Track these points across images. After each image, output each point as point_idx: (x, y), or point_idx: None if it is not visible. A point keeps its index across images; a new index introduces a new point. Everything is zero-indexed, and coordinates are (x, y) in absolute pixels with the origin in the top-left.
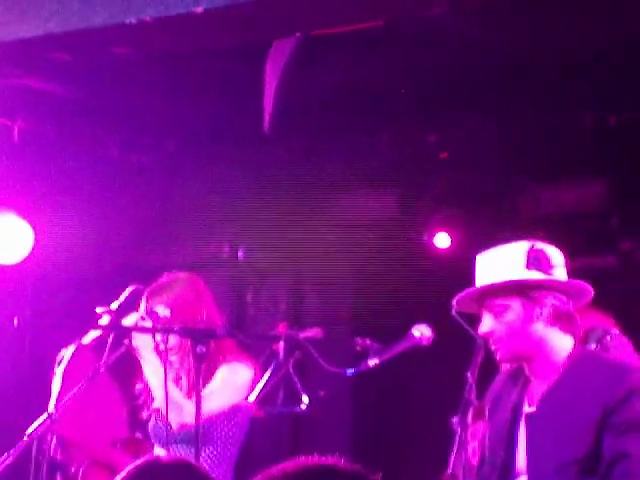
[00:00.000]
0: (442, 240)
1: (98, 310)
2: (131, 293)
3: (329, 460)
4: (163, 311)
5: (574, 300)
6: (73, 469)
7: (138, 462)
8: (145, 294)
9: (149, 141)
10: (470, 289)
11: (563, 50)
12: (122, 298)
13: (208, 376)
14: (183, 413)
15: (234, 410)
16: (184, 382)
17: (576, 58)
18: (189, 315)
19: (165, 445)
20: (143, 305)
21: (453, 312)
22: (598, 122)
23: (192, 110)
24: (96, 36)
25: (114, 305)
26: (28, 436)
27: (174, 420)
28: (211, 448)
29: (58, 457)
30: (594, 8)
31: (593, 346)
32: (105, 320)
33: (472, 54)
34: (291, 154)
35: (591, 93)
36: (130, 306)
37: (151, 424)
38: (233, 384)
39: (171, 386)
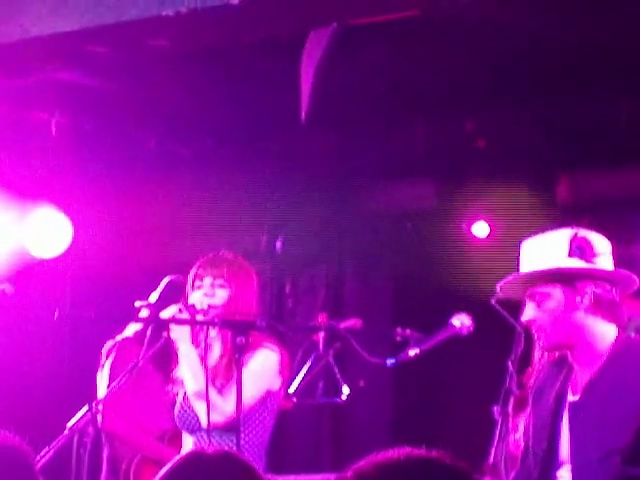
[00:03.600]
0: (481, 229)
1: (137, 304)
2: (168, 284)
3: (434, 453)
4: (219, 290)
5: (619, 288)
6: (124, 466)
7: (183, 454)
8: (202, 262)
9: (186, 133)
10: (512, 276)
11: (598, 37)
12: (159, 290)
13: (230, 367)
14: (214, 412)
15: (265, 395)
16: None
17: (611, 45)
18: (244, 298)
19: (193, 433)
20: (195, 272)
21: (493, 301)
22: (635, 108)
23: (229, 101)
24: (132, 29)
25: (152, 298)
26: (69, 429)
27: (204, 417)
28: (243, 435)
29: (107, 453)
30: None
31: (631, 335)
32: (144, 313)
33: (507, 41)
34: (328, 144)
35: (628, 79)
36: (168, 297)
37: (178, 411)
38: (258, 372)
39: (204, 382)
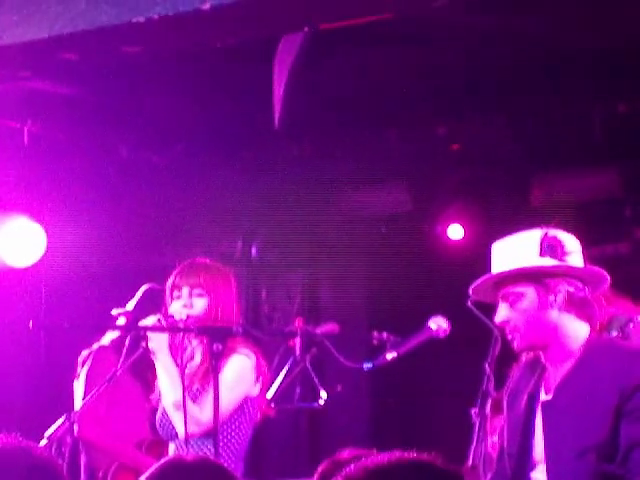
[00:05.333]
0: (455, 232)
1: (114, 312)
2: (145, 292)
3: (426, 457)
4: (197, 300)
5: (591, 286)
6: (100, 473)
7: (161, 462)
8: (179, 271)
9: (159, 140)
10: (484, 277)
11: (571, 40)
12: (136, 298)
13: (207, 374)
14: (191, 423)
15: (242, 402)
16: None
17: (584, 47)
18: (223, 304)
19: (172, 440)
20: (172, 281)
21: (469, 303)
22: (608, 110)
23: (202, 108)
24: (104, 36)
25: (129, 306)
26: (47, 439)
27: (181, 429)
28: (220, 441)
29: (84, 461)
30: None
31: (615, 333)
32: (122, 321)
33: (481, 46)
34: (302, 150)
35: (600, 81)
36: (145, 305)
37: (158, 418)
38: (234, 379)
39: (181, 392)
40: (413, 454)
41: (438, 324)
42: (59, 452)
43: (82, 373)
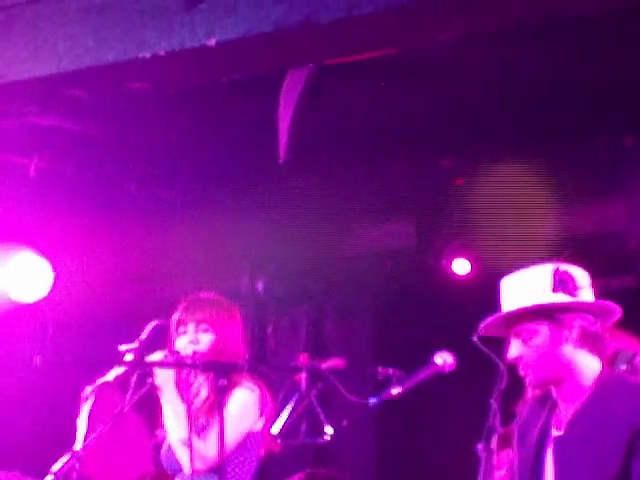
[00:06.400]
0: (461, 266)
1: (121, 348)
2: (153, 329)
3: None
4: (203, 335)
5: (601, 320)
6: None
7: None
8: (184, 307)
9: (166, 176)
10: (496, 315)
11: (574, 75)
12: (144, 335)
13: (212, 409)
14: (196, 459)
15: (245, 437)
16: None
17: (589, 80)
18: (230, 338)
19: (176, 474)
20: (178, 317)
21: (474, 338)
22: (614, 142)
23: (209, 143)
24: (110, 72)
25: (137, 342)
26: (54, 474)
27: (187, 464)
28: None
29: None
30: (603, 32)
31: (623, 368)
32: (129, 358)
33: (485, 79)
34: (307, 185)
35: (606, 114)
36: (152, 342)
37: (163, 450)
38: (237, 414)
39: (187, 429)
40: None
41: (444, 359)
42: None
43: (85, 409)
